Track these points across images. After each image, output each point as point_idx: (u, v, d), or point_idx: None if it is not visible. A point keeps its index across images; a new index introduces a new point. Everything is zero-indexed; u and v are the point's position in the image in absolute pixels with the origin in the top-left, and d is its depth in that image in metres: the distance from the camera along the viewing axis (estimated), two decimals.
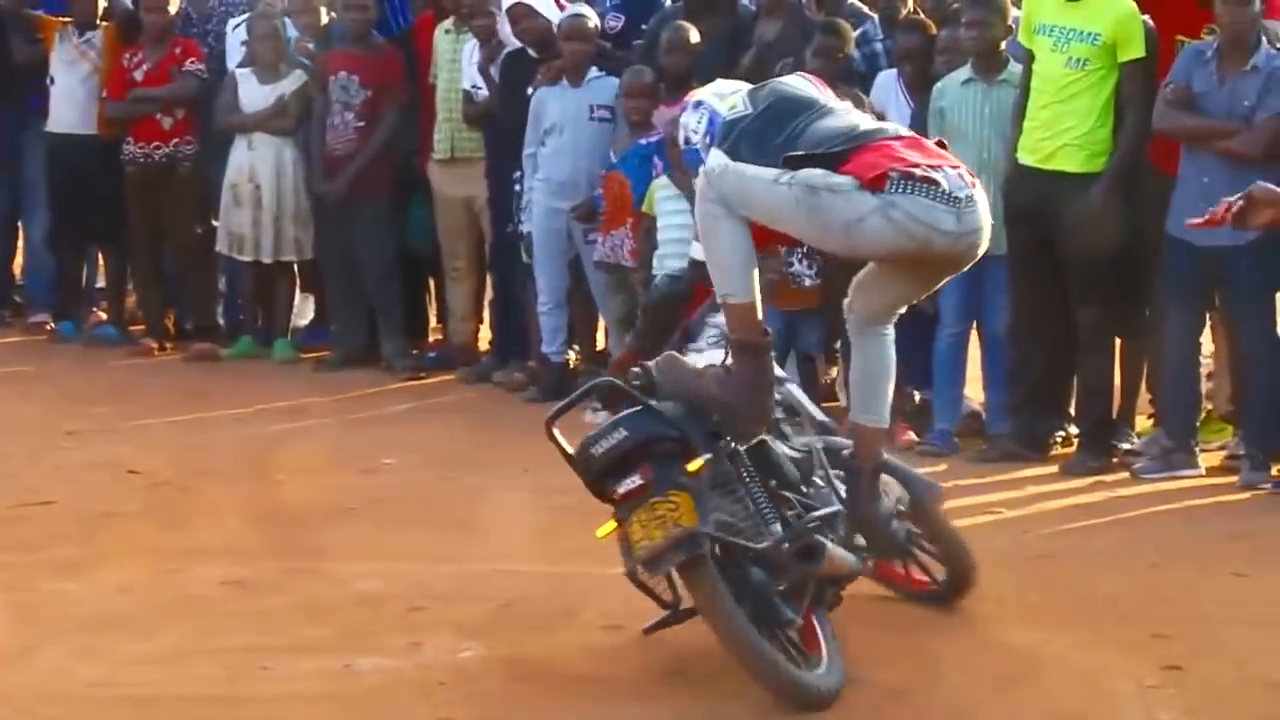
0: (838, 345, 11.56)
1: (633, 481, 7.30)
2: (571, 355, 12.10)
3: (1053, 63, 10.57)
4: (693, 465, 7.24)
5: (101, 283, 13.51)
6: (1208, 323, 10.70)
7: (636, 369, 7.62)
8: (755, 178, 7.31)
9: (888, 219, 7.09)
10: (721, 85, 8.12)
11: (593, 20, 11.93)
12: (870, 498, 7.68)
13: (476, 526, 9.66)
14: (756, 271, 7.40)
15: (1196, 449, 10.51)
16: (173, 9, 12.82)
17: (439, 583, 8.68)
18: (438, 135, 12.38)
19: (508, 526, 9.66)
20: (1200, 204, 10.00)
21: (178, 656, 7.92)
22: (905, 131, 7.64)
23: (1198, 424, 10.68)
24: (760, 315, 7.32)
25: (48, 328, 13.11)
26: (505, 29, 12.19)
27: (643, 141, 11.50)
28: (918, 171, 7.13)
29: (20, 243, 13.67)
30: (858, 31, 11.72)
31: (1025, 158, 10.67)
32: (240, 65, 12.65)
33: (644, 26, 12.35)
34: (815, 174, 7.13)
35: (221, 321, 13.04)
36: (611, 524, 7.32)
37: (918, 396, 11.40)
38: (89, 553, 9.14)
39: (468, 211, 12.35)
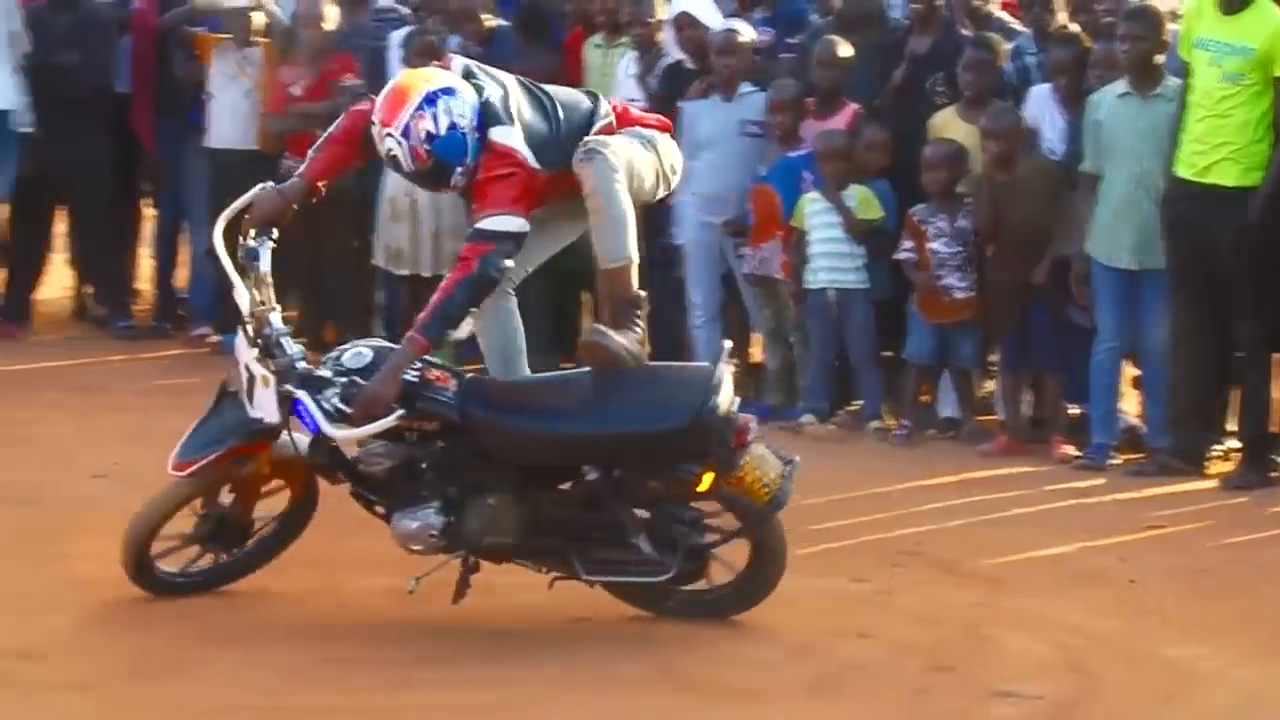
0: (992, 358, 11.55)
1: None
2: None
3: (1209, 76, 10.54)
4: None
5: None
6: None
7: None
8: (635, 148, 8.29)
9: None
10: (455, 78, 8.32)
11: (746, 35, 11.92)
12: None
13: None
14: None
15: None
16: (329, 25, 12.78)
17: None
18: None
19: None
20: None
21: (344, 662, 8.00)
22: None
23: None
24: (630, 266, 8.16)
25: (209, 340, 13.16)
26: (667, 38, 12.20)
27: (790, 155, 11.49)
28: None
29: (182, 257, 13.68)
30: (1010, 45, 11.66)
31: (1182, 171, 10.56)
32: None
33: (790, 40, 12.34)
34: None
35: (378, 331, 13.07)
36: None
37: (1075, 410, 11.32)
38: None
39: None
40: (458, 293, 8.03)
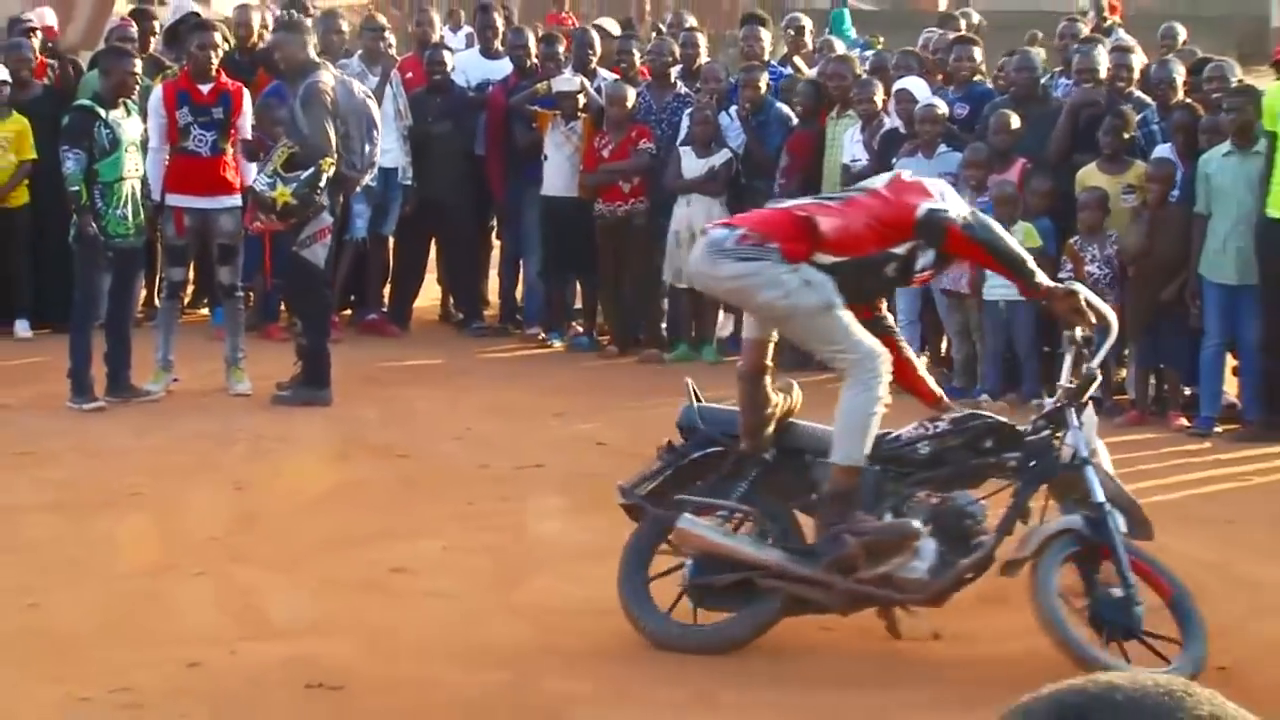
0: (1125, 352, 11.46)
1: None
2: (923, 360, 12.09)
3: None
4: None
5: (578, 304, 13.73)
6: None
7: None
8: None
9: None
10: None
11: (942, 108, 11.94)
12: (827, 519, 7.11)
13: None
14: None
15: None
16: (630, 104, 12.94)
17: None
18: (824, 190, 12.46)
19: None
20: None
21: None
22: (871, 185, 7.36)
23: None
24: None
25: (539, 338, 13.38)
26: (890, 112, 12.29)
27: (979, 200, 11.51)
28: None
29: (520, 276, 13.91)
30: (1139, 115, 11.59)
31: (1273, 212, 10.48)
32: (682, 143, 12.82)
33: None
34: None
35: (665, 333, 13.20)
36: None
37: (1188, 392, 11.25)
38: (568, 503, 9.39)
39: None
40: None
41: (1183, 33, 13.92)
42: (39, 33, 13.72)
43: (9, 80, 12.72)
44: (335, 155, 10.91)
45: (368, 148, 11.29)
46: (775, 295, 6.97)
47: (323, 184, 10.88)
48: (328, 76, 11.15)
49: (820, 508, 7.12)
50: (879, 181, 7.42)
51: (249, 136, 11.64)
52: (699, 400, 7.55)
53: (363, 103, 11.34)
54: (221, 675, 6.80)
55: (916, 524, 6.96)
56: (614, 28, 14.85)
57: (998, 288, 11.30)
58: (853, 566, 6.95)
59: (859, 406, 6.93)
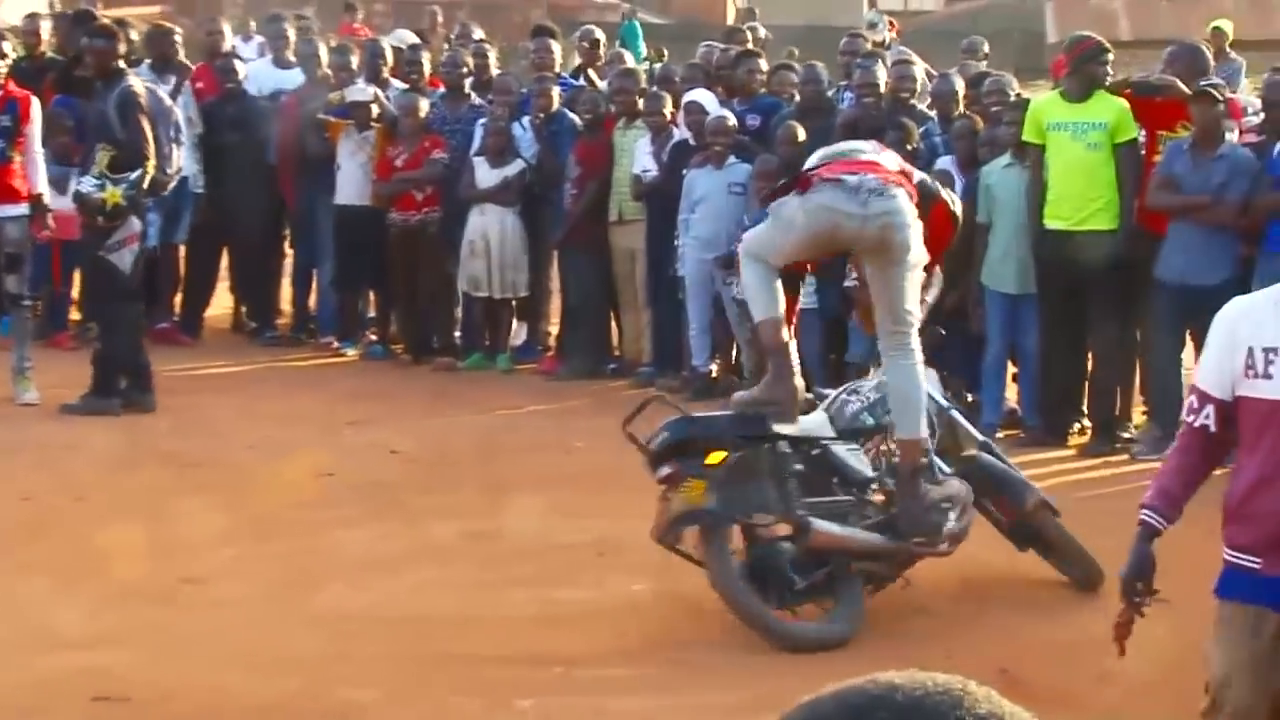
0: None
1: (666, 469, 7.34)
2: (714, 367, 12.13)
3: (1073, 149, 10.54)
4: (711, 459, 7.26)
5: (371, 313, 13.60)
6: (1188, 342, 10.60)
7: None
8: (761, 229, 7.64)
9: (805, 211, 7.34)
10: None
11: (731, 120, 11.98)
12: (906, 492, 7.47)
13: (646, 492, 9.66)
14: (778, 296, 7.42)
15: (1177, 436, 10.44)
16: (423, 114, 12.83)
17: (620, 535, 8.74)
18: (610, 203, 12.44)
19: None
20: (1181, 255, 10.09)
21: (424, 587, 8.06)
22: (857, 157, 7.62)
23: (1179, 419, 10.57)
24: (772, 324, 7.38)
25: (333, 347, 13.22)
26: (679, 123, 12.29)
27: (767, 209, 11.54)
28: (828, 175, 7.37)
29: (314, 284, 13.74)
30: (921, 128, 11.71)
31: (1054, 223, 10.60)
32: (476, 154, 12.73)
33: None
34: (774, 203, 7.47)
35: (458, 341, 13.11)
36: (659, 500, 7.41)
37: (970, 397, 11.36)
38: (361, 512, 9.29)
39: (632, 260, 12.42)
40: None
41: (985, 45, 14.04)
42: None
43: None
44: (154, 159, 10.86)
45: (175, 152, 11.26)
46: (912, 236, 7.30)
47: (145, 186, 10.82)
48: (138, 82, 11.07)
49: (898, 483, 7.47)
50: (870, 146, 7.92)
51: (38, 146, 11.35)
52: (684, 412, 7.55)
53: (168, 109, 11.32)
54: (6, 689, 6.63)
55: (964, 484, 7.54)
56: (411, 39, 14.72)
57: None
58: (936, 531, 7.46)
59: (914, 379, 7.43)
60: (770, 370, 7.45)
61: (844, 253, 8.01)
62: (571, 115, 12.81)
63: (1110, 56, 10.80)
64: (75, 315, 13.13)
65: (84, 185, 10.80)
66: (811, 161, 7.75)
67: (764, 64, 12.98)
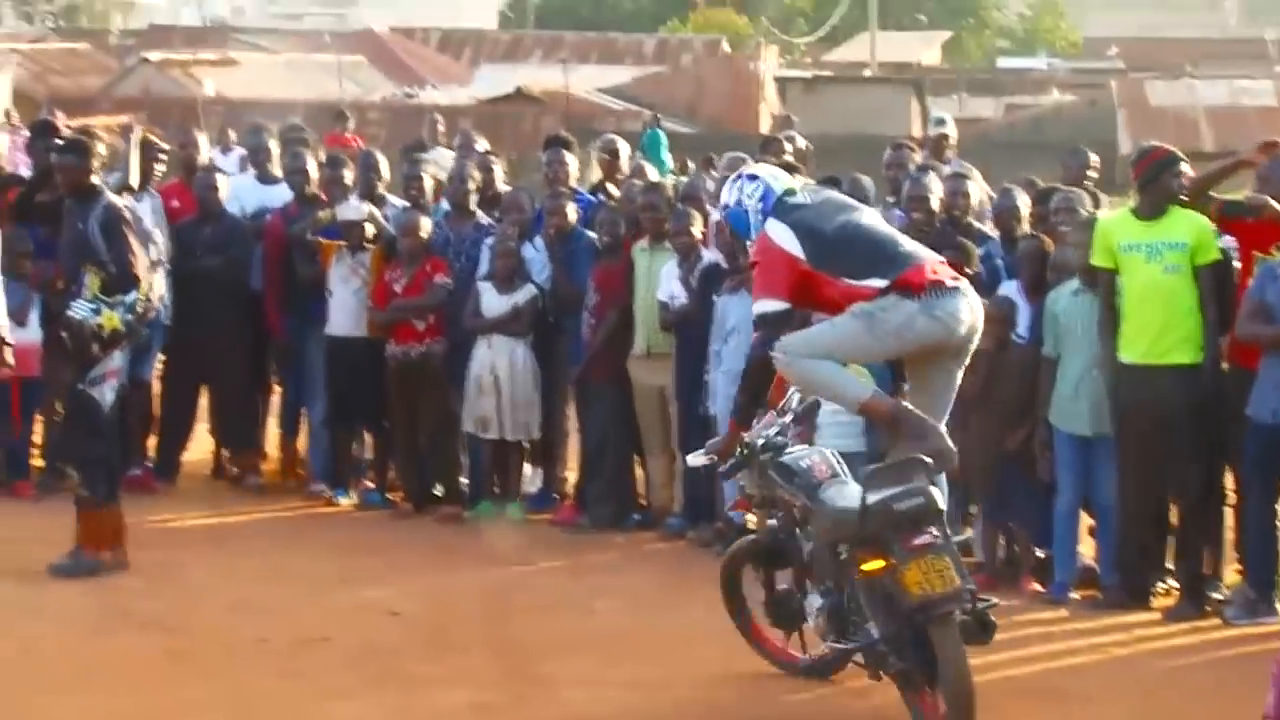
0: (971, 509, 11.65)
1: (927, 536, 8.04)
2: (751, 517, 12.18)
3: (1148, 272, 10.63)
4: (960, 535, 8.58)
5: (368, 457, 13.69)
6: None
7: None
8: (820, 332, 8.67)
9: (929, 315, 8.44)
10: (772, 169, 9.26)
11: None
12: None
13: (673, 661, 9.75)
14: (855, 373, 8.77)
15: (1275, 599, 10.49)
16: (424, 234, 13.00)
17: (644, 708, 8.81)
18: (636, 335, 12.55)
19: (700, 659, 9.74)
20: (1275, 392, 10.18)
21: None
22: (925, 253, 8.79)
23: (1276, 577, 10.57)
24: (879, 395, 8.68)
25: (325, 495, 13.31)
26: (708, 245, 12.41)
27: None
28: (939, 279, 8.57)
29: (303, 425, 13.85)
30: (981, 250, 11.84)
31: (1131, 357, 10.66)
32: (483, 278, 12.89)
33: None
34: (865, 304, 8.45)
35: (465, 488, 13.19)
36: (879, 562, 8.10)
37: (1041, 553, 11.41)
38: (356, 680, 9.35)
39: (660, 397, 12.51)
40: (744, 371, 9.00)
41: (1092, 158, 13.95)
42: None
43: None
44: (146, 282, 11.09)
45: (158, 276, 11.51)
46: None
47: (141, 310, 11.01)
48: (117, 199, 11.29)
49: None
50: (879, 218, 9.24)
51: None
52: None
53: (148, 229, 11.46)
54: None
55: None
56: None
57: (830, 437, 11.42)
58: None
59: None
60: (910, 429, 8.48)
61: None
62: (590, 235, 12.97)
63: (1184, 167, 10.87)
64: (37, 462, 13.25)
65: (76, 311, 10.93)
66: (877, 236, 8.82)
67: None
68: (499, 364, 12.75)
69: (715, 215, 12.43)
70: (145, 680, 9.22)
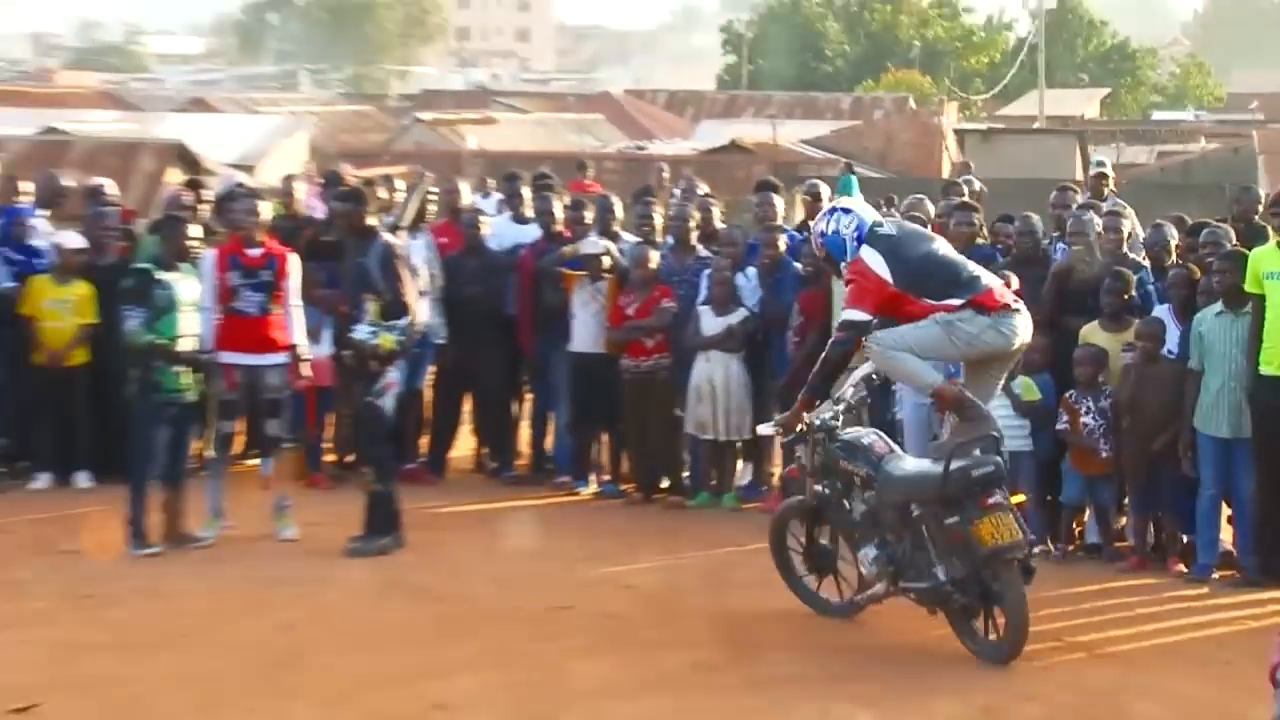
0: (1125, 501, 11.57)
1: (997, 496, 8.91)
2: None
3: None
4: (1017, 498, 9.16)
5: (605, 454, 13.78)
6: None
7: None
8: (907, 331, 9.24)
9: (996, 330, 9.34)
10: (863, 204, 9.81)
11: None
12: None
13: (869, 625, 9.76)
14: (929, 364, 9.44)
15: None
16: (653, 265, 13.11)
17: (844, 666, 8.86)
18: None
19: (891, 628, 9.75)
20: None
21: (658, 717, 8.22)
22: (991, 277, 9.58)
23: None
24: (947, 383, 9.47)
25: (569, 486, 13.44)
26: None
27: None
28: (1006, 301, 9.40)
29: (550, 427, 14.00)
30: (1136, 276, 11.75)
31: (1269, 369, 10.61)
32: (702, 303, 12.99)
33: None
34: (947, 315, 9.23)
35: (686, 481, 13.27)
36: (956, 518, 8.89)
37: (1186, 539, 11.30)
38: (597, 642, 9.45)
39: None
40: (821, 364, 9.43)
41: (1261, 193, 13.66)
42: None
43: (84, 247, 12.99)
44: (415, 309, 11.41)
45: (423, 305, 11.78)
46: None
47: (411, 333, 11.34)
48: (392, 238, 11.55)
49: None
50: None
51: (296, 299, 11.81)
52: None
53: (415, 265, 11.80)
54: None
55: None
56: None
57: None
58: None
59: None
60: (969, 414, 9.25)
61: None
62: (796, 265, 13.03)
63: None
64: (330, 457, 13.54)
65: (358, 333, 11.24)
66: (952, 263, 9.52)
67: (977, 217, 13.09)
68: (716, 376, 12.84)
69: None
70: (418, 641, 9.43)
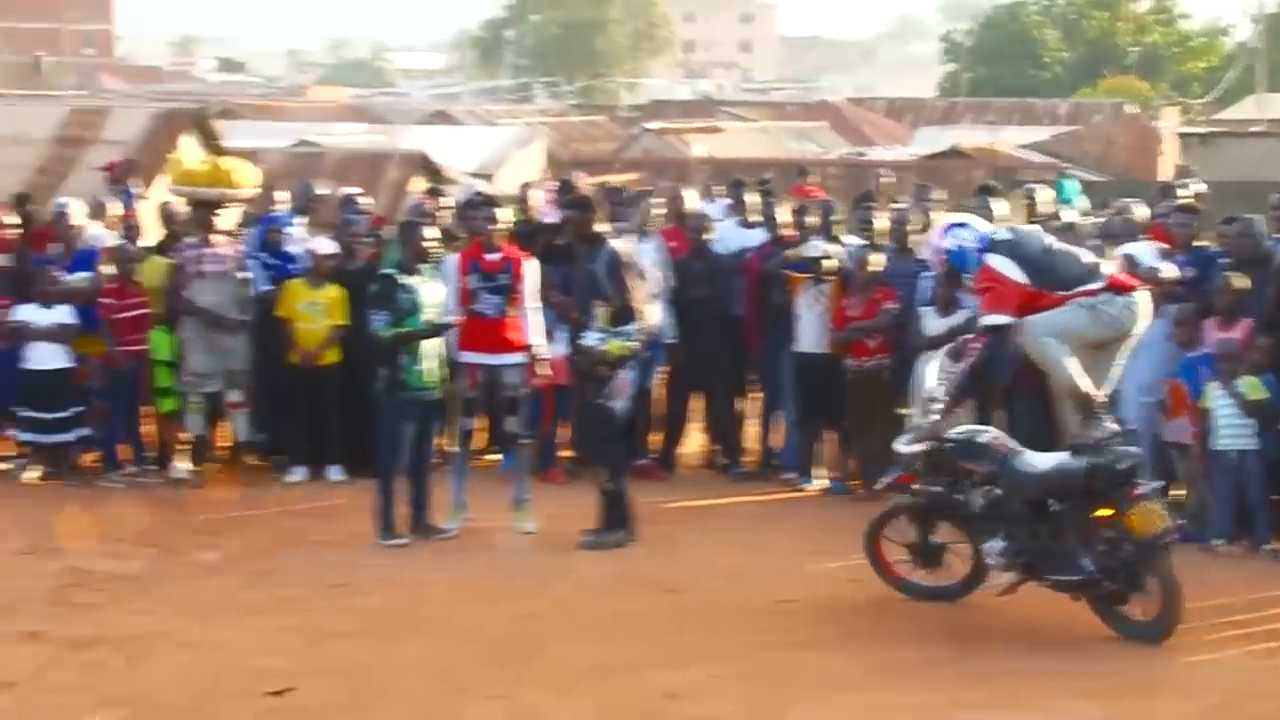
0: None
1: (1144, 487, 9.04)
2: None
3: None
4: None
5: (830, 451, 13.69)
6: None
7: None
8: (1055, 315, 9.57)
9: (1130, 309, 9.77)
10: (974, 217, 10.02)
11: (1173, 271, 11.83)
12: None
13: None
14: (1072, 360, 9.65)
15: None
16: (876, 267, 12.98)
17: (1066, 659, 8.68)
18: None
19: None
20: None
21: (885, 709, 8.13)
22: (1105, 263, 10.04)
23: None
24: (1085, 381, 9.65)
25: (794, 483, 13.36)
26: None
27: (1190, 355, 11.46)
28: (1135, 284, 9.91)
29: (777, 425, 13.93)
30: None
31: None
32: (924, 304, 12.84)
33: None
34: (1089, 299, 9.57)
35: None
36: (1110, 510, 8.97)
37: None
38: (822, 636, 9.38)
39: None
40: (967, 370, 9.66)
41: None
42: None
43: (336, 252, 13.21)
44: (644, 313, 11.39)
45: (651, 308, 11.71)
46: None
47: (639, 338, 11.33)
48: (621, 245, 11.52)
49: None
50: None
51: (534, 301, 11.89)
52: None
53: (644, 266, 11.80)
54: None
55: None
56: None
57: (1226, 438, 11.13)
58: None
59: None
60: (1092, 411, 9.48)
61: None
62: None
63: None
64: (565, 453, 13.61)
65: (588, 339, 11.28)
66: (1073, 260, 9.82)
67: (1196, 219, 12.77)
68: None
69: (1122, 250, 12.16)
70: (650, 632, 9.43)
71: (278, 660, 8.72)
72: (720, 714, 8.04)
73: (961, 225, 9.57)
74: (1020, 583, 9.50)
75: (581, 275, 11.58)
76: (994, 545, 9.52)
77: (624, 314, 11.27)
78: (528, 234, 13.36)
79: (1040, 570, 9.38)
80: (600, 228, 11.57)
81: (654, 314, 11.98)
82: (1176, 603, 8.99)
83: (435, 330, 11.41)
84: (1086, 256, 9.86)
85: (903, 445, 10.09)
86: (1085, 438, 9.37)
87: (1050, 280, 9.63)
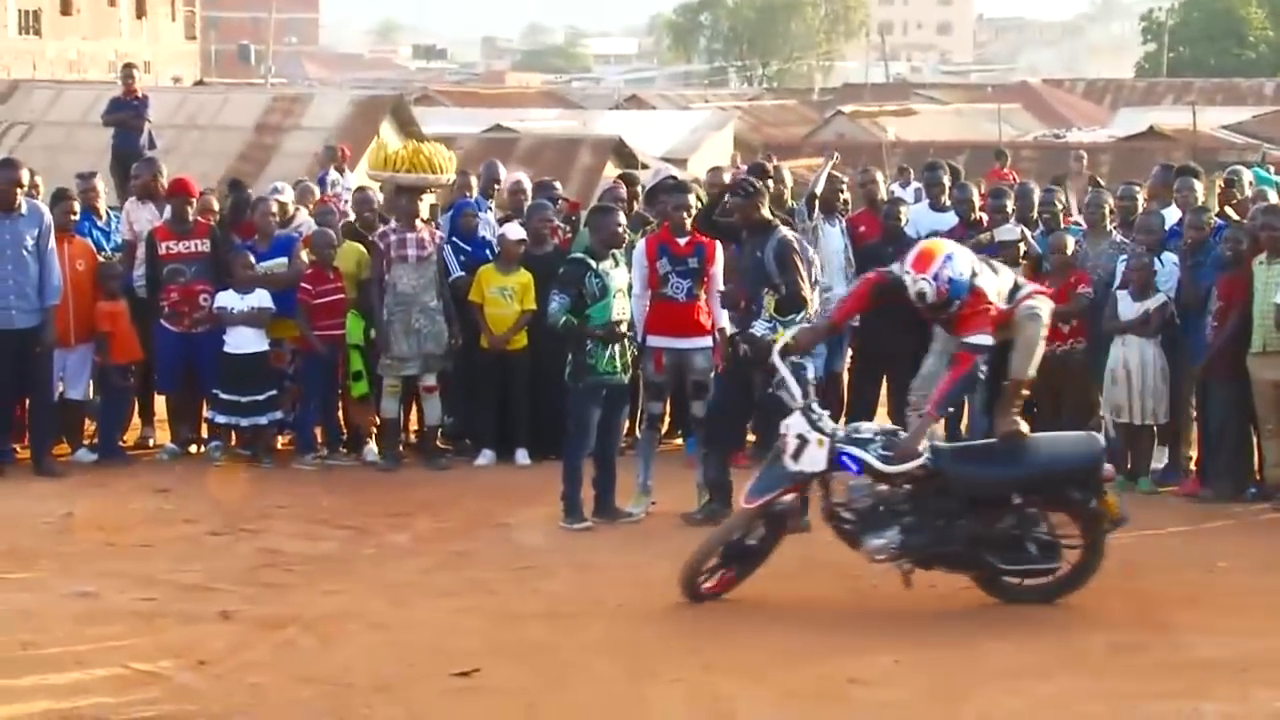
0: None
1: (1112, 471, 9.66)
2: None
3: None
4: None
5: None
6: None
7: None
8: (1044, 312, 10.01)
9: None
10: (962, 249, 9.89)
11: None
12: None
13: None
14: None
15: None
16: (1069, 250, 12.79)
17: (1262, 651, 8.49)
18: (1254, 335, 11.99)
19: None
20: None
21: (1069, 697, 8.01)
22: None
23: None
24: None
25: None
26: None
27: None
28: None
29: (965, 408, 13.78)
30: None
31: None
32: (1119, 287, 12.61)
33: None
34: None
35: None
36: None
37: None
38: (1005, 621, 9.22)
39: (1275, 389, 11.95)
40: (959, 384, 9.61)
41: None
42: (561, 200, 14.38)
43: (525, 239, 13.30)
44: (812, 299, 11.32)
45: (815, 295, 11.61)
46: None
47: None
48: (789, 232, 11.38)
49: None
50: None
51: (721, 287, 11.88)
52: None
53: (811, 257, 11.74)
54: None
55: None
56: None
57: None
58: None
59: None
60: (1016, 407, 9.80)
61: None
62: (1218, 249, 12.53)
63: None
64: (751, 437, 13.56)
65: (757, 328, 11.18)
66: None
67: None
68: (1131, 360, 12.48)
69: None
70: (833, 618, 9.37)
71: (465, 641, 8.80)
72: (903, 699, 7.97)
73: (950, 257, 9.61)
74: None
75: (750, 263, 11.43)
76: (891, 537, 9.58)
77: (792, 303, 11.17)
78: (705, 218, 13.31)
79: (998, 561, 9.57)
80: (767, 214, 11.45)
81: (816, 301, 11.74)
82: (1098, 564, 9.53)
83: (610, 332, 11.28)
84: (1020, 277, 10.32)
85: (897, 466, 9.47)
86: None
87: (1009, 298, 9.94)
